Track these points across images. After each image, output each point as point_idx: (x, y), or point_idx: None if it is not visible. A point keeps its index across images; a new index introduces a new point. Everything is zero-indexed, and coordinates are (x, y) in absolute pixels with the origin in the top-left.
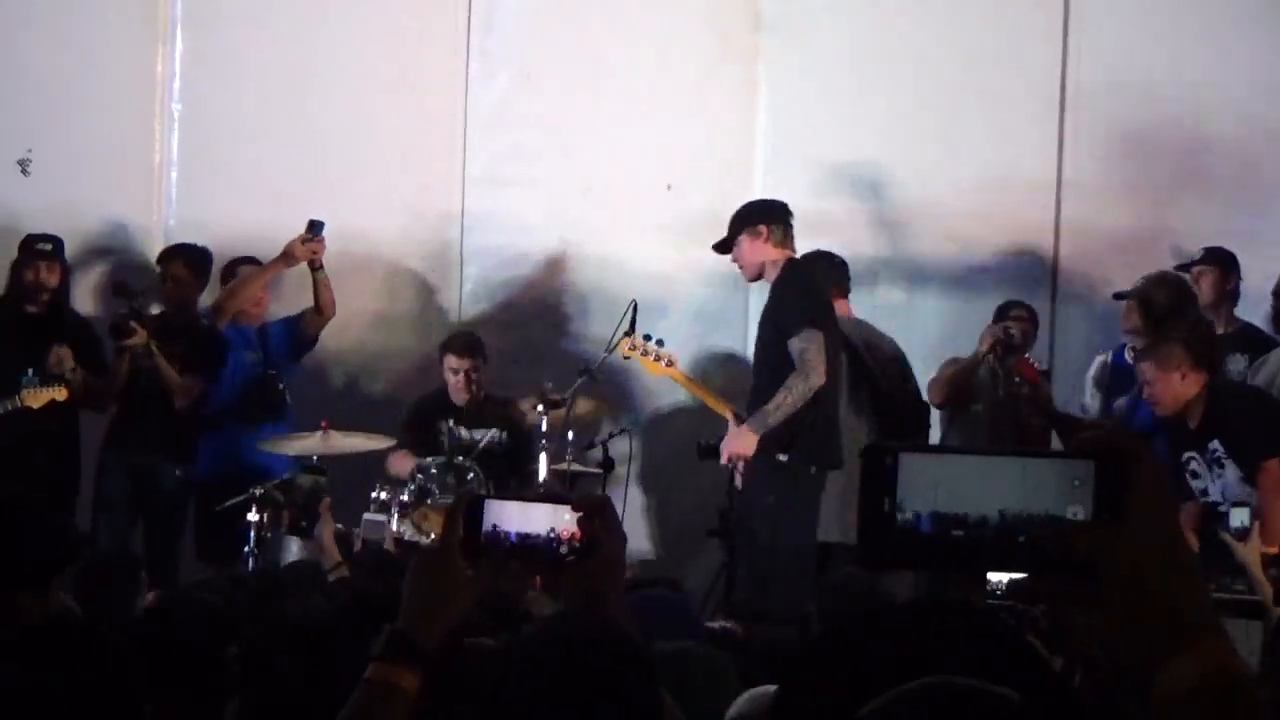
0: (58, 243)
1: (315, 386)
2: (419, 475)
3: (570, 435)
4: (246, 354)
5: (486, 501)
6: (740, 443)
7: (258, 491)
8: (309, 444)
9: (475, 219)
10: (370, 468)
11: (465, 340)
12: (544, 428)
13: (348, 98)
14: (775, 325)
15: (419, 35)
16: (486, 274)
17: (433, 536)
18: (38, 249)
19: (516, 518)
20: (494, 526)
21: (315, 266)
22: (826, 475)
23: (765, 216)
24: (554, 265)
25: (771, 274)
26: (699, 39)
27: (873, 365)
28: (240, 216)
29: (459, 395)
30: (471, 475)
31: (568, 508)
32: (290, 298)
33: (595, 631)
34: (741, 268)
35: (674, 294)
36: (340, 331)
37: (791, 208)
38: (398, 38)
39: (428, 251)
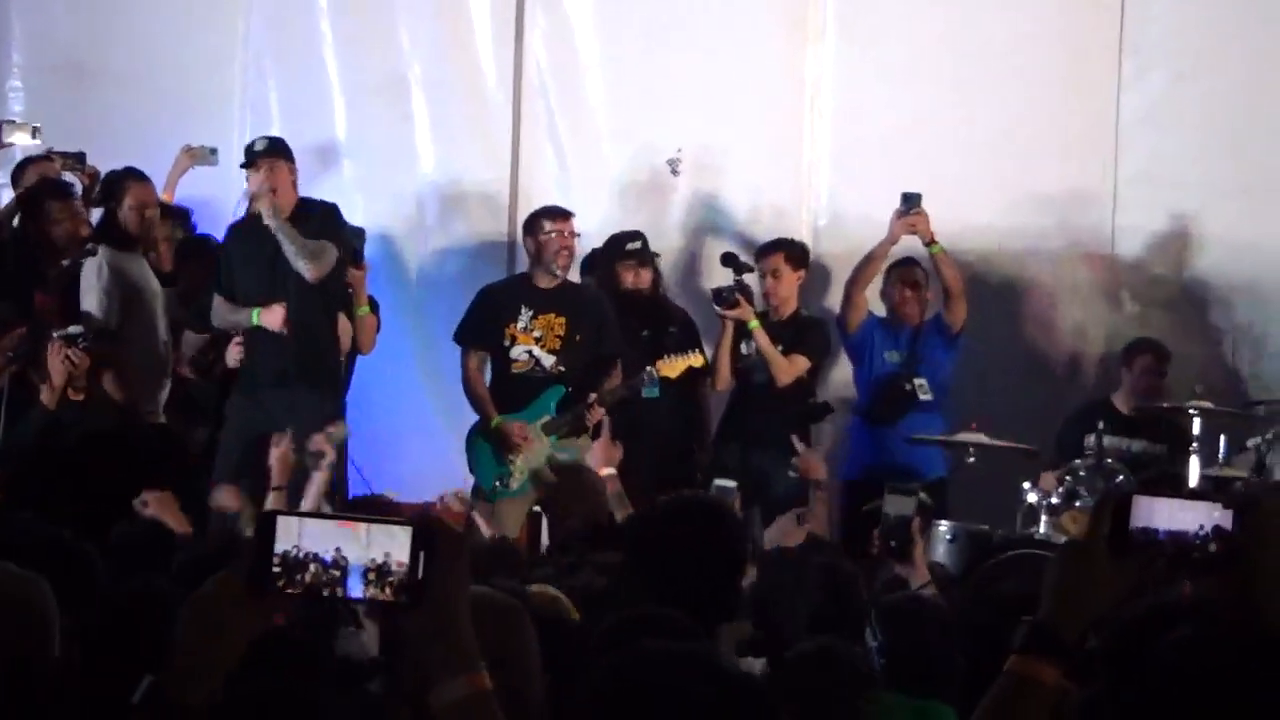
0: (643, 240)
1: (974, 386)
2: (1068, 478)
3: (1223, 439)
4: (888, 354)
5: (1136, 498)
6: None
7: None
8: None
9: (1127, 221)
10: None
11: None
12: (1196, 431)
13: (998, 96)
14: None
15: (1071, 33)
16: (1140, 280)
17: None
18: (627, 249)
19: (1167, 515)
20: (1143, 524)
21: (926, 241)
22: None
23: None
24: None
25: None
26: None
27: None
28: (889, 215)
29: (1127, 403)
30: (1120, 478)
31: (1219, 506)
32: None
33: (1245, 638)
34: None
35: None
36: (998, 330)
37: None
38: (1049, 36)
39: (1079, 254)
